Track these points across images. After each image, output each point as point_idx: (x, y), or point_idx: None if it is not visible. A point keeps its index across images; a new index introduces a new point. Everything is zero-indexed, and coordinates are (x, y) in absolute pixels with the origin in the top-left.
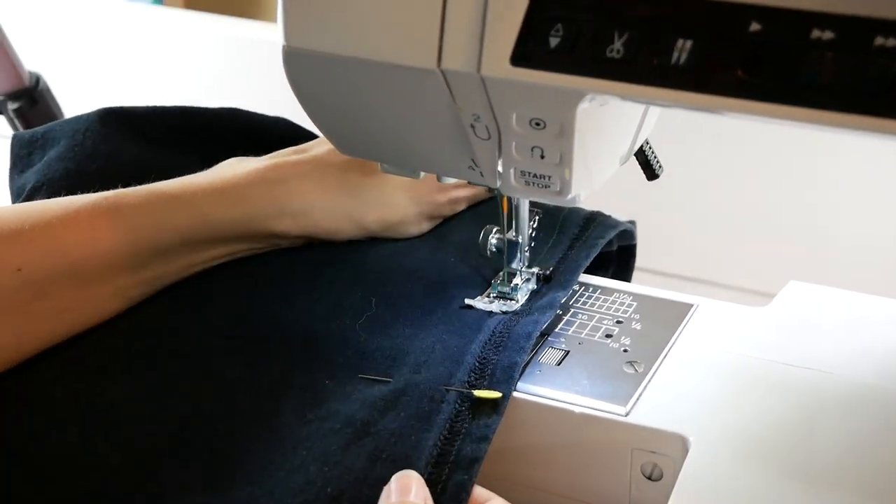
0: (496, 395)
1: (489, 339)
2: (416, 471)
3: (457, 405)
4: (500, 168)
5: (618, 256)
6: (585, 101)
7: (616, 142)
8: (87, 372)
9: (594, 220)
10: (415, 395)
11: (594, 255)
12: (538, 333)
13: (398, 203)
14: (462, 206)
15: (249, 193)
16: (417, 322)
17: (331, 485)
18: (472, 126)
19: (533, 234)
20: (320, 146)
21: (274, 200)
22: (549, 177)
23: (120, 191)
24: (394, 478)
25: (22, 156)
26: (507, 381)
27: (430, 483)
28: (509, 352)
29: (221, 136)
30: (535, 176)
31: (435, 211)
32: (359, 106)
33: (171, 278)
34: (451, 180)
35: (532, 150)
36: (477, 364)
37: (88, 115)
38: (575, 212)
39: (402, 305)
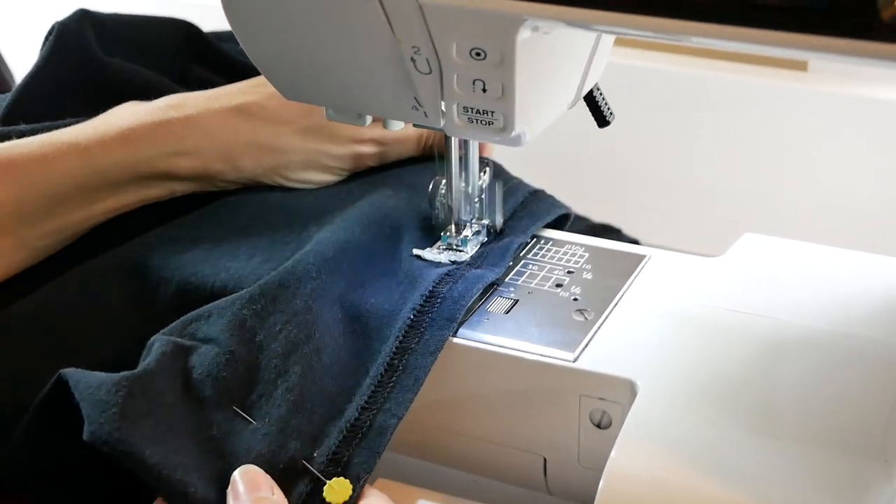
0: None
1: (428, 294)
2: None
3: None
4: (442, 106)
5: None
6: (527, 28)
7: (562, 79)
8: None
9: (540, 193)
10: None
11: (544, 222)
12: (482, 288)
13: (286, 149)
14: (370, 163)
15: (138, 135)
16: (363, 271)
17: None
18: (413, 59)
19: (483, 186)
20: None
21: (162, 141)
22: (492, 112)
23: (14, 141)
24: (237, 473)
25: None
26: (440, 337)
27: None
28: (447, 307)
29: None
30: (477, 112)
31: (333, 163)
32: (299, 44)
33: (73, 230)
34: (399, 125)
35: (474, 83)
36: (412, 318)
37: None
38: (521, 185)
39: (350, 254)
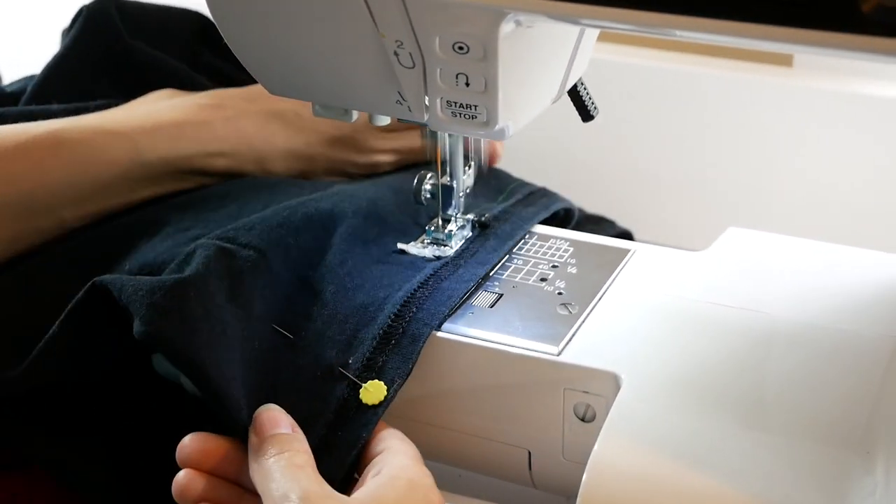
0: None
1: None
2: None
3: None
4: (426, 101)
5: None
6: (509, 22)
7: (546, 73)
8: None
9: (544, 191)
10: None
11: (541, 217)
12: (513, 245)
13: (315, 157)
14: (385, 168)
15: (183, 134)
16: (395, 224)
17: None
18: (396, 54)
19: (468, 181)
20: (250, 89)
21: (204, 141)
22: (475, 106)
23: (64, 123)
24: (259, 411)
25: None
26: (475, 273)
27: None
28: (482, 255)
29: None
30: (461, 106)
31: (354, 170)
32: (283, 40)
33: (108, 213)
34: (385, 121)
35: (457, 76)
36: (447, 262)
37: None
38: (524, 183)
39: (381, 207)
